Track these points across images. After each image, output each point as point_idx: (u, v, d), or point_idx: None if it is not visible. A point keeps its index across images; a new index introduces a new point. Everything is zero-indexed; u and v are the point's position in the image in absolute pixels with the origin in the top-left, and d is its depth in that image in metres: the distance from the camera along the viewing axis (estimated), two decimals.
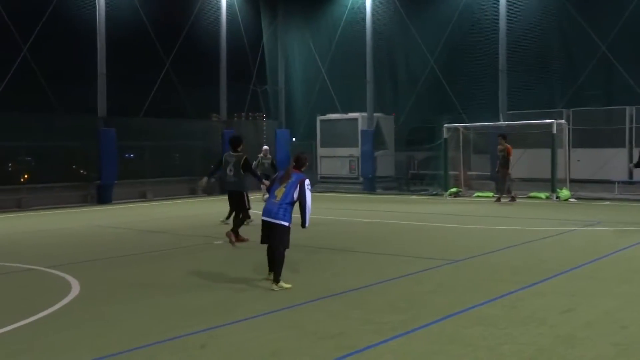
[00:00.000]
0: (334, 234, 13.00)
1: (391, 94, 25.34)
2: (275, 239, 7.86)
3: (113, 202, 20.63)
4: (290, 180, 7.85)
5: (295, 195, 7.78)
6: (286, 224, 7.83)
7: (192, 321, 6.42)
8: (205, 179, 12.93)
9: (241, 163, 11.69)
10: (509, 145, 18.50)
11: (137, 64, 22.67)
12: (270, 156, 19.18)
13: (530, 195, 19.78)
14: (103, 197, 20.71)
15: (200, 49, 24.56)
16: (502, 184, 18.74)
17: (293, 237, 8.09)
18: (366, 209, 17.79)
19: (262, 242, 8.09)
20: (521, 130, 20.32)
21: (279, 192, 7.85)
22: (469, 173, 21.93)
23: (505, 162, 18.46)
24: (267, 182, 10.67)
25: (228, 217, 13.08)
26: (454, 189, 21.20)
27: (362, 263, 9.60)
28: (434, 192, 21.97)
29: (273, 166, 18.24)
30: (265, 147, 19.78)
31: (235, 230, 11.26)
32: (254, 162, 19.54)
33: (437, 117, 23.04)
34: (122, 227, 14.39)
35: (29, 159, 20.60)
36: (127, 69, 21.84)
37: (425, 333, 5.93)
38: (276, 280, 7.79)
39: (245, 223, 12.20)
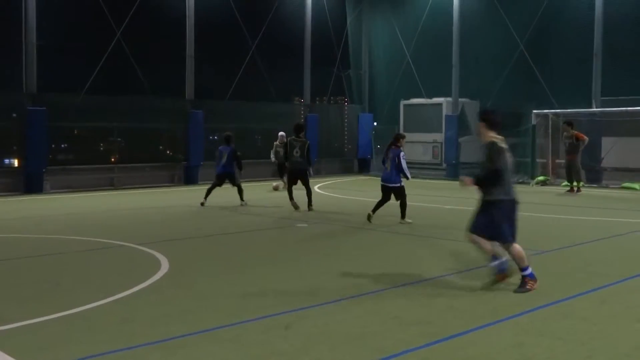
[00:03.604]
0: (415, 220, 12.86)
1: (477, 79, 24.70)
2: (398, 195, 11.91)
3: (200, 182, 21.17)
4: (391, 156, 11.75)
5: (396, 164, 11.66)
6: (399, 184, 11.86)
7: (277, 302, 6.52)
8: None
9: (306, 147, 13.97)
10: (576, 132, 17.75)
11: (224, 48, 23.09)
12: (285, 141, 16.63)
13: (623, 185, 18.92)
14: (190, 178, 21.30)
15: (285, 32, 24.69)
16: (570, 173, 17.97)
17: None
18: (449, 195, 17.50)
19: (385, 198, 12.03)
20: (616, 118, 19.39)
21: (388, 165, 11.83)
22: (558, 161, 21.17)
23: (572, 150, 17.73)
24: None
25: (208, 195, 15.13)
26: (541, 177, 20.54)
27: (445, 250, 9.46)
28: (520, 180, 21.33)
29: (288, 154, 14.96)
30: (281, 133, 18.79)
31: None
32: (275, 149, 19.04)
33: (524, 103, 22.27)
34: (210, 206, 14.75)
35: (119, 140, 21.41)
36: (214, 53, 22.27)
37: (512, 324, 5.79)
38: (403, 216, 11.99)
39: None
